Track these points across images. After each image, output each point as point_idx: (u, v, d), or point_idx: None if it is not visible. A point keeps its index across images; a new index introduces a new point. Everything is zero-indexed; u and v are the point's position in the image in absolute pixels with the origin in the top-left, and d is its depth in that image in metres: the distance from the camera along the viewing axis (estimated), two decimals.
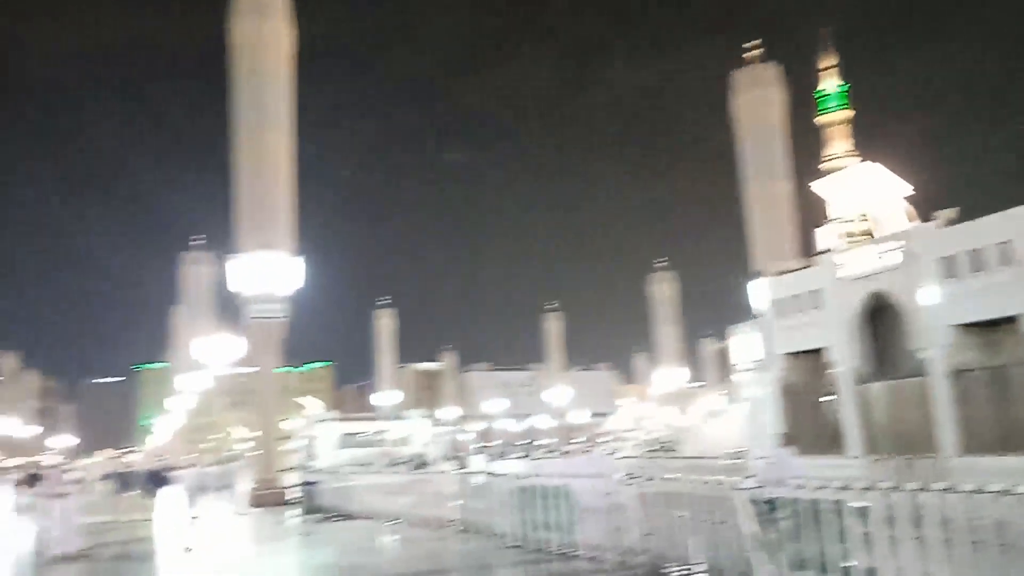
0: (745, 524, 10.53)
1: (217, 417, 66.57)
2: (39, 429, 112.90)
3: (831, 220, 26.22)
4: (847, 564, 9.40)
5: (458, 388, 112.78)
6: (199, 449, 69.53)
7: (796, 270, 27.17)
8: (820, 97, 64.73)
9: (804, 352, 25.20)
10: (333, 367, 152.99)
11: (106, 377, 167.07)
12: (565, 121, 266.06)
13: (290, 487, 29.60)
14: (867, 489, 9.54)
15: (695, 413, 72.42)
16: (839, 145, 63.68)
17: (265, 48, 32.09)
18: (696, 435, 48.23)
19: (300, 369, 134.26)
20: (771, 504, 10.23)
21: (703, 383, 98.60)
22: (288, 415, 69.91)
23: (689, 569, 11.61)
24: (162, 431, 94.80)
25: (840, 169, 39.60)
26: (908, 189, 23.61)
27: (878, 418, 23.27)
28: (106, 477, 36.16)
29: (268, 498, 28.89)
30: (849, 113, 64.92)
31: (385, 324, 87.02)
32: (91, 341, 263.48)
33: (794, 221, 39.43)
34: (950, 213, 21.12)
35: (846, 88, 65.15)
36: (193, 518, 22.64)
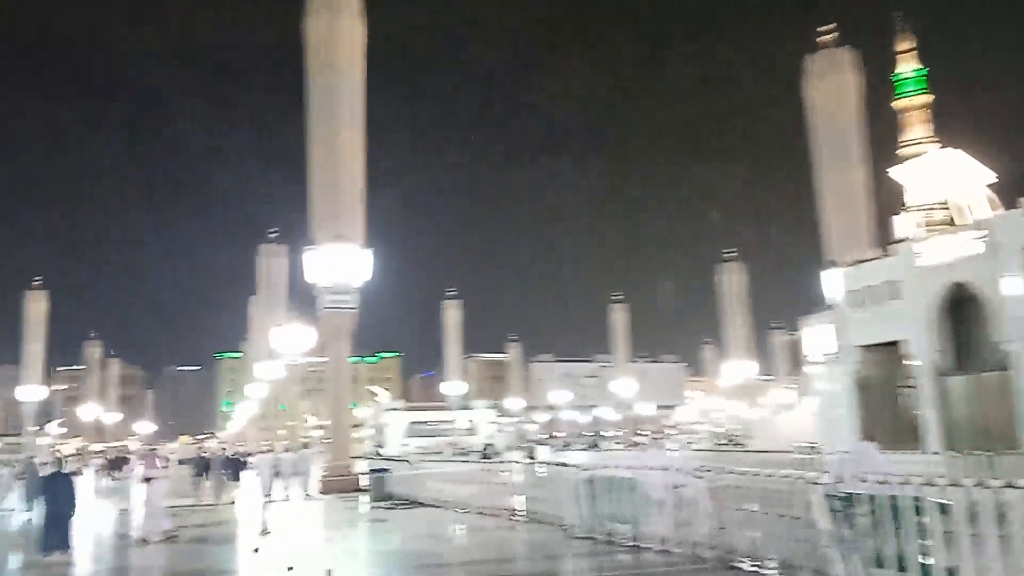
0: (820, 520, 10.34)
1: (290, 405, 68.21)
2: (122, 416, 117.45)
3: (909, 208, 25.47)
4: (926, 562, 9.15)
5: (523, 379, 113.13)
6: (273, 436, 71.44)
7: (872, 260, 26.45)
8: (898, 81, 62.59)
9: (880, 344, 24.55)
10: (401, 357, 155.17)
11: (186, 365, 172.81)
12: (633, 111, 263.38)
13: (360, 474, 30.22)
14: (950, 485, 9.26)
15: (764, 406, 71.23)
16: (918, 130, 61.58)
17: (338, 45, 32.68)
18: (766, 428, 47.50)
19: (369, 359, 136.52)
20: (848, 500, 10.02)
21: (772, 376, 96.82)
22: (358, 404, 71.38)
23: (760, 565, 11.46)
24: (239, 418, 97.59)
25: (919, 156, 38.33)
26: (991, 176, 22.77)
27: (958, 413, 22.53)
28: (185, 462, 37.46)
29: (339, 484, 29.52)
30: (928, 98, 62.67)
31: (452, 315, 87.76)
32: (172, 330, 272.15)
33: (869, 209, 38.25)
34: None
35: (924, 72, 62.98)
36: (268, 502, 23.29)
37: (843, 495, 10.10)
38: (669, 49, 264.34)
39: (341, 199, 31.75)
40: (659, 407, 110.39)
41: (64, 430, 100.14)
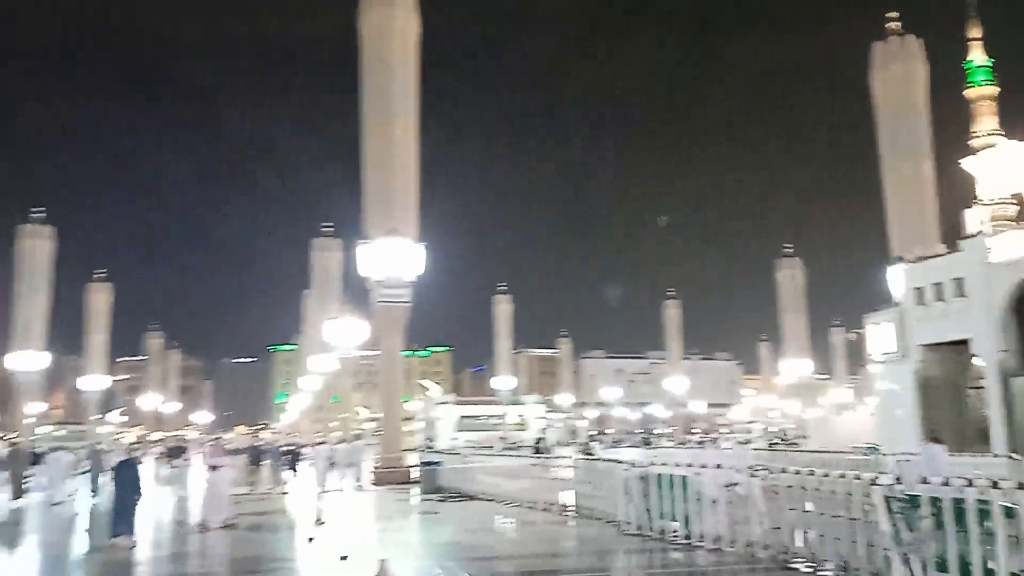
0: (882, 522, 10.06)
1: (343, 398, 69.14)
2: (180, 406, 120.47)
3: (979, 202, 24.65)
4: (991, 567, 8.84)
5: (574, 375, 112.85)
6: (326, 428, 72.52)
7: (938, 256, 25.66)
8: (969, 69, 60.64)
9: (944, 343, 23.82)
10: (452, 352, 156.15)
11: (242, 357, 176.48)
12: (688, 103, 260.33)
13: (411, 467, 30.46)
14: (1017, 488, 8.92)
15: (821, 406, 69.85)
16: (987, 122, 59.78)
17: (392, 38, 32.94)
18: (823, 428, 46.58)
19: (421, 354, 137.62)
20: (911, 502, 9.72)
21: (829, 375, 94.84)
22: (410, 397, 72.03)
23: (817, 566, 11.21)
24: (293, 409, 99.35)
25: (989, 147, 37.01)
26: None
27: None
28: (241, 452, 38.24)
29: (391, 476, 29.81)
30: (995, 89, 60.92)
31: (503, 310, 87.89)
32: (229, 323, 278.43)
33: (936, 204, 37.03)
34: None
35: (991, 63, 61.14)
36: (322, 492, 23.62)
37: (905, 497, 9.82)
38: (728, 40, 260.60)
39: (395, 193, 31.98)
40: (712, 405, 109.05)
41: (125, 419, 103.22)
